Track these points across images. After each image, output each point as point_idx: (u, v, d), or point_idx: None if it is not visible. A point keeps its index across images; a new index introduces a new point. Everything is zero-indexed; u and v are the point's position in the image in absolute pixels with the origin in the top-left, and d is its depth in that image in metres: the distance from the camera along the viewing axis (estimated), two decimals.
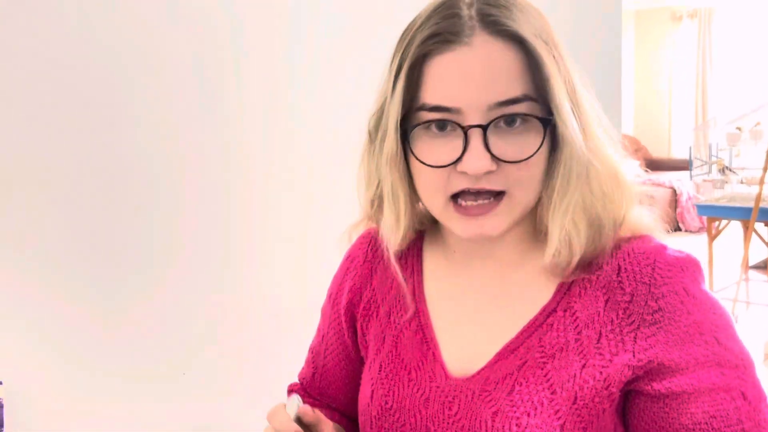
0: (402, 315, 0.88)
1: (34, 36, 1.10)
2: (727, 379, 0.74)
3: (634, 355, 0.75)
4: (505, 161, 0.73)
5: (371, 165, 0.82)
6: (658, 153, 8.26)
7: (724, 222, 4.51)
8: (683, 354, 0.74)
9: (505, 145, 0.73)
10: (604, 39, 1.77)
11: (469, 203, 0.75)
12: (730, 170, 4.50)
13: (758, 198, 3.90)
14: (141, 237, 1.23)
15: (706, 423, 0.73)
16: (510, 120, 0.72)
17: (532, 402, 0.76)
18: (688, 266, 0.77)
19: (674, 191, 6.88)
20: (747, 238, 4.07)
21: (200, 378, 1.32)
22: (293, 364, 1.07)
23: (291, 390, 1.05)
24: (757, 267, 5.24)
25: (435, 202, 0.78)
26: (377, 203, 0.85)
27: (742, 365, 0.75)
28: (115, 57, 1.18)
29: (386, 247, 0.87)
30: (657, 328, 0.75)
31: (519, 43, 0.72)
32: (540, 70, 0.72)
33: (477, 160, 0.72)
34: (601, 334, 0.76)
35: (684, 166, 7.31)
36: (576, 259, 0.77)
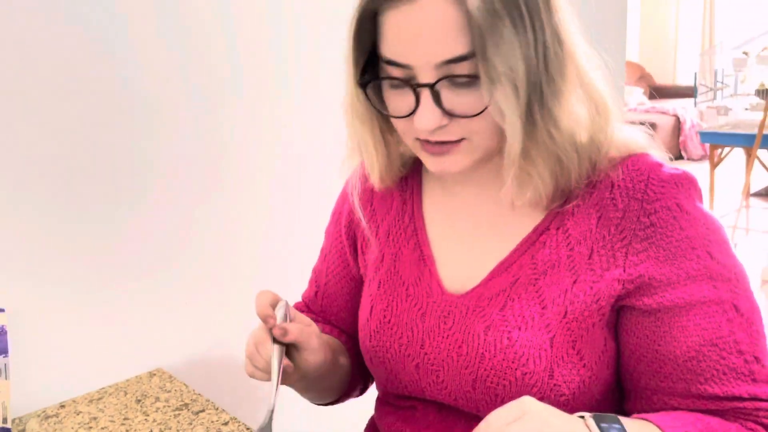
0: (400, 234, 0.90)
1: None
2: (720, 292, 0.74)
3: (624, 270, 0.76)
4: (457, 116, 0.73)
5: (347, 117, 0.84)
6: (662, 80, 8.14)
7: (726, 149, 4.48)
8: (674, 268, 0.74)
9: (458, 98, 0.72)
10: None
11: (431, 143, 0.76)
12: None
13: (762, 124, 3.85)
14: (139, 163, 1.22)
15: (698, 335, 0.74)
16: (456, 79, 0.71)
17: (523, 317, 0.78)
18: (683, 182, 0.77)
19: (678, 119, 6.81)
20: (749, 165, 4.05)
21: (203, 306, 1.34)
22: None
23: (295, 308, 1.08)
24: (758, 194, 5.25)
25: (406, 140, 0.80)
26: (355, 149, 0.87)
27: (734, 278, 0.75)
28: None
29: (371, 184, 0.90)
30: (648, 244, 0.75)
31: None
32: (476, 27, 0.68)
33: (426, 118, 0.72)
34: (593, 250, 0.77)
35: (689, 93, 7.22)
36: (546, 195, 0.77)
